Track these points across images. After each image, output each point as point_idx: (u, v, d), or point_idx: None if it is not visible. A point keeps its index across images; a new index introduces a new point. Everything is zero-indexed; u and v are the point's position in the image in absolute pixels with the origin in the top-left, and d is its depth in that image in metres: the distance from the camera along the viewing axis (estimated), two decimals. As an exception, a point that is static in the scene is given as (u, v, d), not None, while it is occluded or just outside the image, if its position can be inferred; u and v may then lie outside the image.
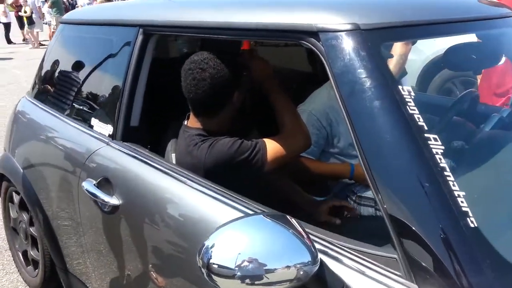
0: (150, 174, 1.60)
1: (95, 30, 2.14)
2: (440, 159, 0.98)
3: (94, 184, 1.73)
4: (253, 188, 1.56)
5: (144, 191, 1.57)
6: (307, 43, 1.24)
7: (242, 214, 1.28)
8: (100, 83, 2.01)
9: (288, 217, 1.02)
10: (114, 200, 1.64)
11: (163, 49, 3.80)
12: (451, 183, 0.95)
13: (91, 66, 2.12)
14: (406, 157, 1.00)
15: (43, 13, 15.42)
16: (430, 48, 4.55)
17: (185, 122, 1.69)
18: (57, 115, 2.24)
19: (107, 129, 1.85)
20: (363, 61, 1.12)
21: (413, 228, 0.95)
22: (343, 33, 1.17)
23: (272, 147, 1.55)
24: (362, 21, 1.18)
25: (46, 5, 14.87)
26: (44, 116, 2.33)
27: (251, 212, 1.27)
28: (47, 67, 2.53)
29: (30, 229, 2.51)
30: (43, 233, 2.28)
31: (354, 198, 2.15)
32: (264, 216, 1.02)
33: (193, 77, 1.55)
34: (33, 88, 2.64)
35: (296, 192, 1.90)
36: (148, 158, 1.65)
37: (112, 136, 1.82)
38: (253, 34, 1.42)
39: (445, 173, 0.96)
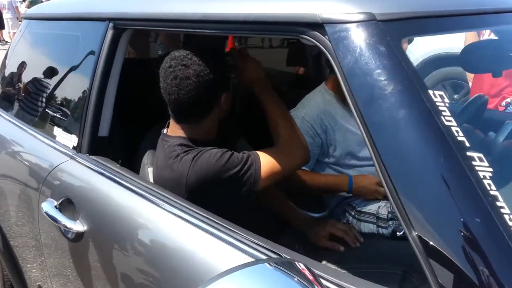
0: (120, 195, 1.35)
1: (60, 26, 1.87)
2: (489, 185, 0.76)
3: (56, 206, 1.47)
4: (241, 206, 1.34)
5: (113, 216, 1.32)
6: (309, 38, 1.01)
7: (227, 245, 1.05)
8: (65, 87, 1.75)
9: (296, 263, 0.78)
10: (78, 226, 1.38)
11: (140, 49, 3.55)
12: (506, 216, 0.73)
13: (56, 67, 1.85)
14: (446, 184, 0.77)
15: (21, 13, 14.91)
16: (419, 48, 4.36)
17: (165, 131, 1.45)
18: (18, 123, 1.96)
19: (71, 140, 1.60)
20: (383, 59, 0.90)
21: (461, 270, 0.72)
22: (355, 25, 0.94)
23: (266, 161, 1.33)
24: (379, 10, 0.96)
25: (24, 5, 14.35)
26: (3, 124, 2.05)
27: (239, 244, 1.04)
28: (8, 68, 2.25)
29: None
30: (1, 255, 2.00)
31: (353, 213, 1.94)
32: (268, 264, 0.78)
33: (175, 75, 1.31)
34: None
35: (289, 209, 1.68)
36: (118, 175, 1.40)
37: (77, 149, 1.56)
38: (242, 27, 1.18)
39: (498, 203, 0.74)
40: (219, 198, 1.29)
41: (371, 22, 0.94)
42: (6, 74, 2.25)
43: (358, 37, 0.93)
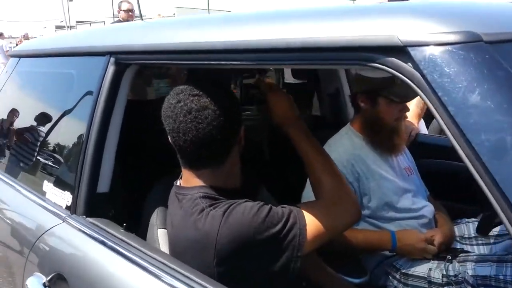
0: (126, 271, 1.06)
1: (52, 63, 1.62)
2: None
3: (44, 284, 1.17)
4: (280, 279, 1.05)
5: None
6: (383, 65, 0.76)
7: None
8: (57, 133, 1.48)
9: None
10: (71, 313, 1.08)
11: (137, 89, 3.31)
12: None
13: (47, 111, 1.59)
14: None
15: None
16: None
17: (178, 183, 1.17)
18: (4, 178, 1.67)
19: (64, 198, 1.31)
20: (500, 89, 0.64)
21: None
22: (455, 47, 0.69)
23: (312, 219, 1.06)
24: (482, 29, 0.71)
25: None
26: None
27: None
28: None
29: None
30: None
31: (397, 276, 1.64)
32: None
33: (188, 109, 1.06)
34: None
35: (329, 278, 1.38)
36: (122, 244, 1.11)
37: (71, 209, 1.28)
38: (284, 56, 0.93)
39: None
40: (255, 265, 1.02)
41: (478, 43, 0.69)
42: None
43: (462, 62, 0.68)
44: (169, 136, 1.11)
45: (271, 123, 1.24)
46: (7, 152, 1.77)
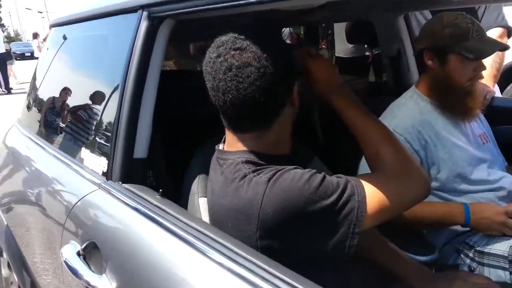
0: (159, 240, 0.96)
1: (86, 27, 1.54)
2: None
3: (78, 252, 1.10)
4: (334, 258, 0.91)
5: (148, 271, 0.92)
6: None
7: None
8: (93, 99, 1.40)
9: None
10: (103, 283, 0.99)
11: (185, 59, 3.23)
12: None
13: (83, 76, 1.52)
14: None
15: None
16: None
17: (220, 147, 1.05)
18: (45, 146, 1.64)
19: (101, 164, 1.23)
20: None
21: None
22: None
23: (373, 192, 0.90)
24: None
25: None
26: (31, 148, 1.74)
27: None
28: (36, 84, 1.96)
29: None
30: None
31: (471, 255, 1.45)
32: None
33: (228, 65, 0.91)
34: (22, 113, 2.07)
35: (393, 256, 1.21)
36: (158, 211, 1.01)
37: (107, 175, 1.20)
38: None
39: None
40: (303, 240, 0.87)
41: None
42: (35, 91, 1.96)
43: None
44: (210, 94, 0.98)
45: (314, 94, 1.08)
46: (45, 118, 1.74)
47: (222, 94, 0.92)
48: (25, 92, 2.12)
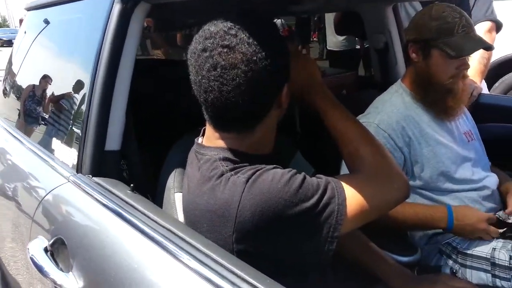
0: (129, 238, 0.91)
1: (60, 11, 1.47)
2: None
3: (46, 248, 1.05)
4: (311, 263, 0.88)
5: (114, 271, 0.88)
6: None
7: None
8: (66, 85, 1.33)
9: None
10: (70, 281, 0.95)
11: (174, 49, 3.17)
12: None
13: (57, 63, 1.45)
14: None
15: None
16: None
17: (199, 140, 0.98)
18: (18, 136, 1.57)
19: (71, 155, 1.17)
20: None
21: None
22: None
23: (353, 194, 0.86)
24: None
25: None
26: (5, 138, 1.67)
27: None
28: (11, 69, 1.88)
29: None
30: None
31: (454, 256, 1.42)
32: None
33: (213, 63, 0.83)
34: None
35: (374, 256, 1.17)
36: (127, 208, 0.96)
37: (77, 168, 1.14)
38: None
39: None
40: (281, 245, 0.83)
41: None
42: (10, 76, 1.88)
43: None
44: (192, 86, 0.91)
45: (294, 94, 1.00)
46: (21, 108, 1.67)
47: (204, 92, 0.86)
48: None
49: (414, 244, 1.40)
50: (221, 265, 0.75)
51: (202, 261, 0.77)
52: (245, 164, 0.87)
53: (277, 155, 0.99)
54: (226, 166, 0.86)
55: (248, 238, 0.82)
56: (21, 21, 13.29)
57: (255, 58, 0.83)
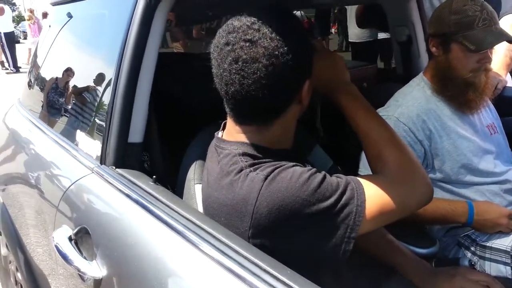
0: (152, 228, 0.93)
1: (85, 6, 1.50)
2: None
3: (70, 237, 1.08)
4: (328, 260, 0.88)
5: (137, 260, 0.90)
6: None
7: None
8: (90, 81, 1.37)
9: None
10: (93, 269, 0.98)
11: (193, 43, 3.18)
12: None
13: (82, 57, 1.49)
14: None
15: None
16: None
17: (219, 134, 1.00)
18: (43, 128, 1.61)
19: (95, 147, 1.20)
20: None
21: None
22: None
23: (373, 196, 0.86)
24: None
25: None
26: (30, 129, 1.72)
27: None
28: (36, 62, 1.93)
29: (18, 275, 1.91)
30: (26, 283, 1.66)
31: (472, 249, 1.42)
32: None
33: (235, 57, 0.84)
34: (23, 93, 2.04)
35: (391, 248, 1.18)
36: (150, 199, 0.98)
37: (101, 159, 1.17)
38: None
39: None
40: (297, 243, 0.84)
41: None
42: (36, 71, 1.93)
43: None
44: (214, 79, 0.92)
45: (319, 91, 1.01)
46: (44, 100, 1.71)
47: (225, 84, 0.87)
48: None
49: (433, 236, 1.40)
50: (241, 255, 0.77)
51: (223, 251, 0.79)
52: (264, 160, 0.88)
53: (297, 150, 0.99)
54: (246, 162, 0.87)
55: (264, 234, 0.83)
56: (44, 14, 13.31)
57: (276, 52, 0.83)
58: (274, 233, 0.82)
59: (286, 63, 0.84)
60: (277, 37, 0.84)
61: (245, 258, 0.76)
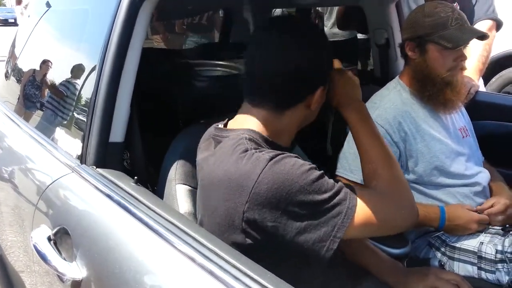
0: (133, 230, 0.94)
1: (69, 0, 1.48)
2: None
3: (49, 237, 1.08)
4: (308, 257, 0.91)
5: (117, 261, 0.91)
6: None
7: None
8: (71, 76, 1.35)
9: None
10: (73, 271, 0.98)
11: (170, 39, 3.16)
12: None
13: (62, 51, 1.47)
14: None
15: None
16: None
17: (220, 125, 1.05)
18: (20, 123, 1.59)
19: (76, 147, 1.20)
20: None
21: None
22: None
23: (363, 204, 0.91)
24: None
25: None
26: (6, 123, 1.69)
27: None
28: (14, 53, 1.89)
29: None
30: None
31: (442, 249, 1.47)
32: None
33: (267, 44, 1.01)
34: (1, 87, 2.00)
35: (366, 249, 1.22)
36: (131, 200, 0.99)
37: (81, 158, 1.17)
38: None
39: None
40: (286, 225, 0.87)
41: None
42: (13, 62, 1.89)
43: None
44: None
45: (329, 104, 1.10)
46: (23, 95, 1.69)
47: (251, 60, 1.01)
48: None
49: (405, 237, 1.45)
50: (222, 257, 0.78)
51: (204, 254, 0.80)
52: (267, 148, 0.95)
53: (290, 151, 1.04)
54: (251, 146, 0.93)
55: (259, 210, 0.87)
56: (17, 1, 12.80)
57: (311, 51, 0.99)
58: (268, 210, 0.86)
59: (302, 62, 0.97)
60: (315, 40, 1.02)
61: (226, 261, 0.78)
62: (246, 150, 0.91)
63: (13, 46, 1.96)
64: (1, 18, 25.44)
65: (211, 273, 0.76)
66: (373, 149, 1.02)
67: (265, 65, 0.98)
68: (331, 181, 0.91)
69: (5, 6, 34.88)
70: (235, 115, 1.05)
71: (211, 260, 0.78)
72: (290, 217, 0.87)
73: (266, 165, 0.87)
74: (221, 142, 0.98)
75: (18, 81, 1.76)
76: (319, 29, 1.13)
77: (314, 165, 0.91)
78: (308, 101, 1.00)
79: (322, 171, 0.91)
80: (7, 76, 1.94)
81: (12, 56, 1.92)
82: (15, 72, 1.81)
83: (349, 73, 1.13)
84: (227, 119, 1.06)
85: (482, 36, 1.50)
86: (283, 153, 0.91)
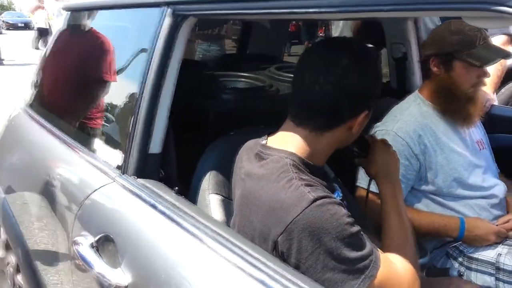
0: (178, 239, 1.00)
1: (106, 17, 1.54)
2: None
3: (92, 244, 1.13)
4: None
5: (164, 268, 0.97)
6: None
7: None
8: (110, 90, 1.41)
9: None
10: (118, 276, 1.03)
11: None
12: None
13: (100, 66, 1.53)
14: None
15: None
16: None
17: (263, 141, 1.07)
18: (54, 132, 1.64)
19: (116, 157, 1.26)
20: None
21: None
22: None
23: (380, 278, 0.92)
24: None
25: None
26: (38, 132, 1.74)
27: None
28: (47, 66, 1.94)
29: (17, 277, 1.93)
30: (28, 284, 1.69)
31: (461, 260, 1.51)
32: None
33: (320, 61, 1.01)
34: (31, 95, 2.05)
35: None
36: (173, 208, 1.04)
37: (122, 169, 1.22)
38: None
39: None
40: (305, 271, 0.90)
41: None
42: (46, 74, 1.94)
43: None
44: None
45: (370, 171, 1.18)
46: (57, 105, 1.74)
47: (300, 77, 1.03)
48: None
49: (424, 247, 1.49)
50: (270, 267, 0.83)
51: (247, 260, 0.86)
52: (305, 173, 0.97)
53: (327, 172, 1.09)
54: (294, 173, 0.95)
55: (288, 245, 0.89)
56: (36, 7, 12.50)
57: (361, 73, 0.99)
58: (295, 249, 0.89)
59: (355, 85, 0.98)
60: (366, 65, 1.01)
61: (275, 271, 0.83)
62: (291, 179, 0.93)
63: (44, 57, 2.00)
64: (11, 22, 25.54)
65: (262, 282, 0.81)
66: (395, 226, 1.06)
67: (322, 86, 0.97)
68: (364, 241, 0.92)
69: (14, 10, 34.99)
70: (274, 130, 1.07)
71: (260, 269, 0.83)
72: (313, 262, 0.89)
73: (308, 206, 0.89)
74: (264, 159, 1.00)
75: (53, 92, 1.81)
76: (376, 52, 1.15)
77: (352, 219, 0.92)
78: (351, 123, 1.02)
79: (359, 228, 0.92)
80: (36, 87, 1.98)
81: (44, 68, 1.96)
82: (51, 86, 1.86)
83: (391, 149, 1.18)
84: (267, 135, 1.08)
85: (507, 56, 1.55)
86: (328, 196, 0.92)
